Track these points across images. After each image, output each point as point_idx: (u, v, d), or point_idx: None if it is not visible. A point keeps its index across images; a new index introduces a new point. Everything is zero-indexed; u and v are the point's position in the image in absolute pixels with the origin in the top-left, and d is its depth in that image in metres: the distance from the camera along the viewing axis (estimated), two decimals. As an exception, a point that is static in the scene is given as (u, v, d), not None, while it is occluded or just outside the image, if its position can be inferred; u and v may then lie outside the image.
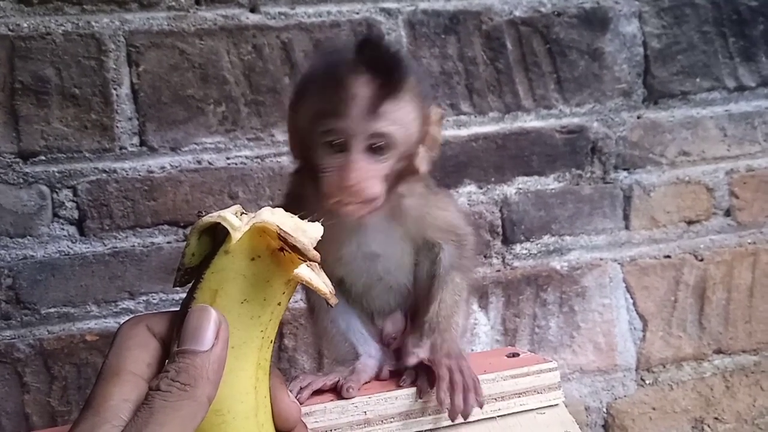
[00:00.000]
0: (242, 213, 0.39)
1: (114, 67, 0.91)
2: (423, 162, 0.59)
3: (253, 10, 0.96)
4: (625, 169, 1.08)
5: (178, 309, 0.39)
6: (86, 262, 0.91)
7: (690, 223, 1.10)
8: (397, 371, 0.61)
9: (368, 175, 0.53)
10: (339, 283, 0.62)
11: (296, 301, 0.93)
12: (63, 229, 0.90)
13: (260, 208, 0.39)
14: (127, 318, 0.40)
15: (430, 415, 0.57)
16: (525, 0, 1.04)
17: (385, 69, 0.53)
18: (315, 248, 0.38)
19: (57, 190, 0.90)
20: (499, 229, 1.04)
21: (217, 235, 0.40)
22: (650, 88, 1.09)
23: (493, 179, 1.03)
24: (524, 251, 1.04)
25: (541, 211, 1.05)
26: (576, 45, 1.06)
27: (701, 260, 1.10)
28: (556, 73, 1.05)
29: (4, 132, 0.89)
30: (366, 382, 0.59)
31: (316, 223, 0.40)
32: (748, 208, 1.12)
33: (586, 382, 1.06)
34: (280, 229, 0.37)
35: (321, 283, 0.39)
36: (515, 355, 0.64)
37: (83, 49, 0.90)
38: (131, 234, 0.92)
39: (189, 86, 0.93)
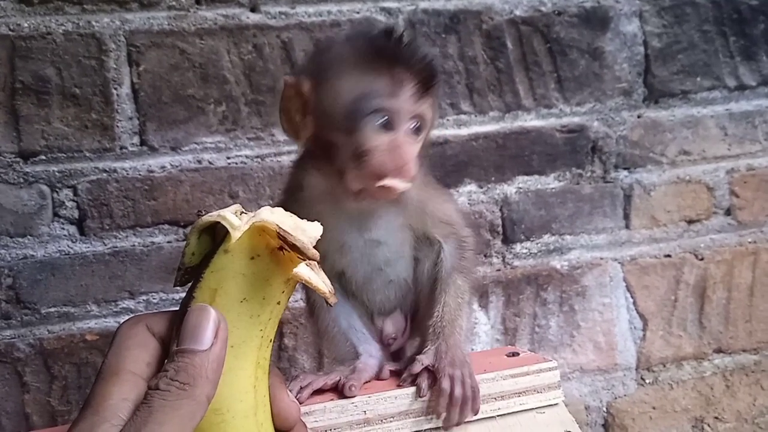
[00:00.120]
0: (242, 212, 0.40)
1: (114, 66, 0.91)
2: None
3: (253, 10, 0.96)
4: (625, 169, 1.08)
5: (177, 308, 0.39)
6: (86, 261, 0.91)
7: (690, 222, 1.10)
8: (398, 371, 0.61)
9: (414, 153, 0.55)
10: (340, 277, 0.62)
11: (296, 301, 0.93)
12: (63, 228, 0.90)
13: (260, 208, 0.39)
14: (127, 318, 0.40)
15: (430, 414, 0.57)
16: (525, -1, 1.04)
17: (422, 53, 0.56)
18: (314, 247, 0.38)
19: (57, 189, 0.90)
20: (500, 229, 1.04)
21: (217, 234, 0.40)
22: (651, 88, 1.09)
23: (493, 178, 1.03)
24: (524, 250, 1.04)
25: (542, 211, 1.05)
26: (576, 44, 1.06)
27: (701, 259, 1.10)
28: (556, 72, 1.05)
29: (4, 132, 0.89)
30: (366, 382, 0.59)
31: (316, 222, 0.40)
32: (748, 208, 1.12)
33: (587, 382, 1.06)
34: (280, 228, 0.37)
35: (320, 282, 0.39)
36: (515, 354, 0.63)
37: (84, 49, 0.90)
38: (131, 233, 0.92)
39: (189, 86, 0.93)
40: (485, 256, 1.03)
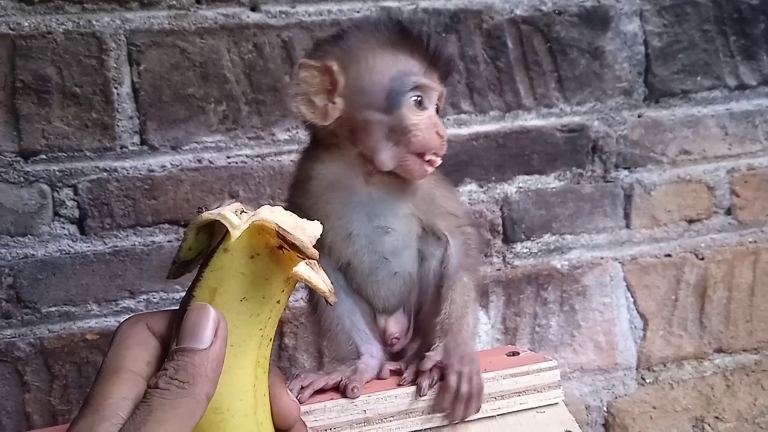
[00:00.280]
0: (242, 211, 0.40)
1: (115, 65, 0.91)
2: None
3: (253, 9, 0.96)
4: (625, 168, 1.08)
5: (177, 308, 0.39)
6: (87, 261, 0.91)
7: (691, 221, 1.10)
8: (398, 370, 0.61)
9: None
10: (345, 268, 0.62)
11: (296, 300, 0.93)
12: (64, 227, 0.90)
13: (260, 207, 0.39)
14: (127, 317, 0.40)
15: (429, 414, 0.57)
16: (526, -1, 1.04)
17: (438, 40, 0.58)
18: (317, 241, 0.38)
19: (58, 188, 0.90)
20: (500, 228, 1.04)
21: (217, 232, 0.40)
22: (651, 87, 1.09)
23: (493, 178, 1.03)
24: (525, 250, 1.04)
25: (542, 210, 1.05)
26: (577, 44, 1.06)
27: (702, 259, 1.10)
28: (556, 71, 1.05)
29: (5, 131, 0.89)
30: (368, 382, 0.59)
31: (315, 221, 0.40)
32: (749, 207, 1.12)
33: (587, 381, 1.06)
34: (279, 227, 0.37)
35: (320, 281, 0.39)
36: (515, 353, 0.63)
37: (84, 48, 0.90)
38: (132, 233, 0.92)
39: (190, 85, 0.93)
40: (486, 255, 1.03)
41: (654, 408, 1.08)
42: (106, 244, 0.91)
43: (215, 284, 0.38)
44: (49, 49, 0.89)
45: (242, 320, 0.38)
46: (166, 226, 0.93)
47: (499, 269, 1.03)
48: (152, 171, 0.93)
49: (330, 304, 0.40)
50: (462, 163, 1.02)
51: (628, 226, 1.08)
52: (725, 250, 1.11)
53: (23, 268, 0.89)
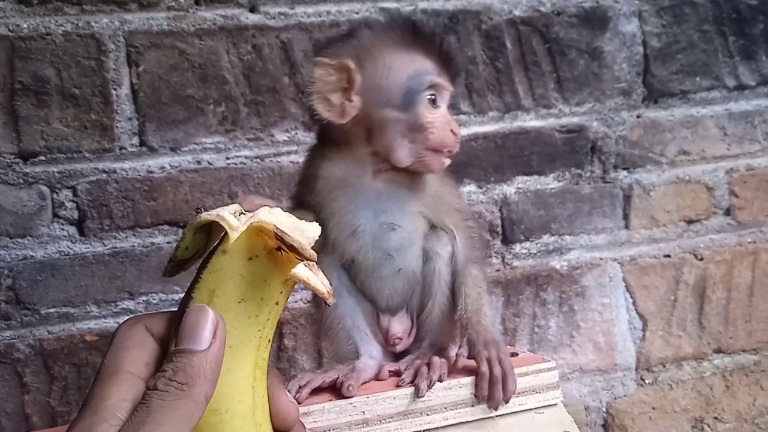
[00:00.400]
0: (241, 212, 0.40)
1: (114, 67, 0.91)
2: None
3: (252, 10, 0.96)
4: (624, 169, 1.08)
5: (176, 309, 0.39)
6: (86, 262, 0.91)
7: (690, 222, 1.10)
8: (396, 371, 0.61)
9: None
10: (350, 265, 0.62)
11: (295, 301, 0.93)
12: (63, 229, 0.90)
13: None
14: (126, 318, 0.40)
15: (428, 414, 0.57)
16: (524, -1, 1.04)
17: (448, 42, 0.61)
18: (317, 242, 0.38)
19: (57, 190, 0.90)
20: (499, 229, 1.04)
21: (214, 232, 0.40)
22: (650, 87, 1.09)
23: (492, 179, 1.03)
24: (524, 251, 1.04)
25: (541, 211, 1.05)
26: (575, 44, 1.06)
27: (701, 259, 1.10)
28: (555, 72, 1.05)
29: (4, 132, 0.89)
30: (365, 382, 0.59)
31: (314, 222, 0.40)
32: (748, 208, 1.12)
33: (586, 382, 1.06)
34: (277, 228, 0.37)
35: (318, 282, 0.39)
36: (514, 354, 0.64)
37: (83, 50, 0.91)
38: (131, 234, 0.92)
39: (189, 86, 0.93)
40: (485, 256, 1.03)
41: (653, 408, 1.08)
42: (105, 246, 0.91)
43: (214, 286, 0.38)
44: (48, 50, 0.89)
45: (241, 322, 0.38)
46: (166, 227, 0.93)
47: (498, 270, 1.03)
48: (151, 172, 0.93)
49: (329, 305, 0.40)
50: (461, 163, 1.02)
51: (627, 227, 1.08)
52: (724, 251, 1.11)
53: (22, 270, 0.89)
